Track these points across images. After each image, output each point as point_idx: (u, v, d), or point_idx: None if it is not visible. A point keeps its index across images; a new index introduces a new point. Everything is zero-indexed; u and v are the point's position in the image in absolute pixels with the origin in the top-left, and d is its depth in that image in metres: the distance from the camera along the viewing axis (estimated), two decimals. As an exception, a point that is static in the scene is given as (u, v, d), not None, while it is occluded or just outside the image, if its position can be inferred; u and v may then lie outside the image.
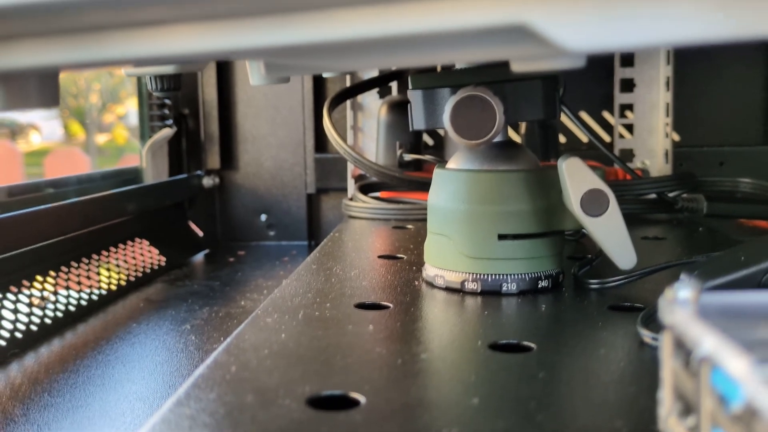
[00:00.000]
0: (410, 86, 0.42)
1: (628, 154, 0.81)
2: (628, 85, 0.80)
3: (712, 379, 0.16)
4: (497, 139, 0.41)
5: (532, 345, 0.32)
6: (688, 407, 0.18)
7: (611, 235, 0.39)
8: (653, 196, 0.61)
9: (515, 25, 0.19)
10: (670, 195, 0.61)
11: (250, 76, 0.41)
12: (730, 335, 0.17)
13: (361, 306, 0.39)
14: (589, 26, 0.19)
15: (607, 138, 0.86)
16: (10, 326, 0.50)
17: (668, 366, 0.19)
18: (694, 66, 0.83)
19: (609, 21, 0.19)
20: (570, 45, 0.19)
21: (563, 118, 0.83)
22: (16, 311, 0.51)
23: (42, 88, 0.27)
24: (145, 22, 0.21)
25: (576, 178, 0.38)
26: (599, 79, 0.84)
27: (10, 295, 0.52)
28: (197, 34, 0.21)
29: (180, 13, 0.20)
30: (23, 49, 0.23)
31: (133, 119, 0.95)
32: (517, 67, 0.23)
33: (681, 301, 0.19)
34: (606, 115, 0.86)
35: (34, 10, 0.20)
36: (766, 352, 0.16)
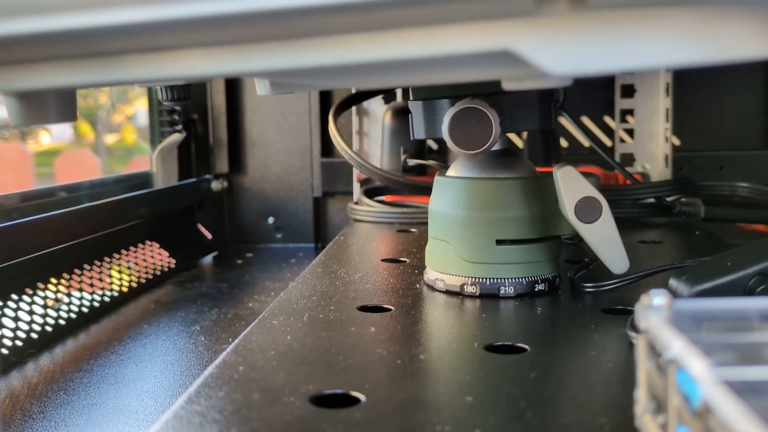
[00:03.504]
0: (411, 97, 0.44)
1: (628, 159, 0.82)
2: (629, 91, 0.81)
3: (678, 380, 0.18)
4: (495, 147, 0.42)
5: (526, 346, 0.34)
6: (659, 405, 0.20)
7: (604, 240, 0.40)
8: (651, 200, 0.63)
9: (502, 51, 0.21)
10: (668, 199, 0.62)
11: (257, 87, 0.42)
12: (696, 339, 0.18)
13: (364, 309, 0.40)
14: (570, 53, 0.20)
15: (608, 142, 0.87)
16: (26, 327, 0.51)
17: (643, 367, 0.21)
18: (694, 72, 0.84)
19: (588, 48, 0.20)
20: (552, 69, 0.21)
21: (566, 123, 0.84)
22: (31, 313, 0.53)
23: (61, 104, 0.29)
24: (157, 47, 0.22)
25: (570, 186, 0.40)
26: (601, 85, 0.85)
27: (25, 297, 0.54)
28: (205, 59, 0.22)
29: (190, 40, 0.22)
30: (42, 71, 0.25)
31: (142, 120, 0.97)
32: (507, 86, 0.25)
33: (655, 307, 0.20)
34: (607, 119, 0.87)
35: (54, 37, 0.22)
36: (727, 354, 0.18)
